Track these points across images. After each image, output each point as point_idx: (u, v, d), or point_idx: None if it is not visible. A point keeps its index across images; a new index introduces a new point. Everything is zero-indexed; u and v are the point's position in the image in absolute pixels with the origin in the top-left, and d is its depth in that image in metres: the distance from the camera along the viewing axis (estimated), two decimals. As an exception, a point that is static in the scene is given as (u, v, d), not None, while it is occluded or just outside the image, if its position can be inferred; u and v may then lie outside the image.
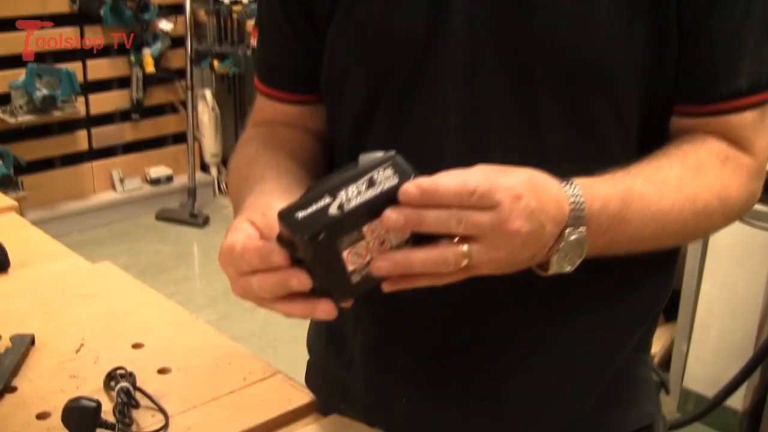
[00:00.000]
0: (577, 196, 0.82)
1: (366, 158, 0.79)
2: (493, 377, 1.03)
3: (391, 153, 0.79)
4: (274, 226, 0.80)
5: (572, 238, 0.83)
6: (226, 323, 3.56)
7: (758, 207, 1.93)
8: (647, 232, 0.90)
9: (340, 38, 1.00)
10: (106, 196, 4.75)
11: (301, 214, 0.78)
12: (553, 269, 0.84)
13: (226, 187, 1.17)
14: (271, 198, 0.90)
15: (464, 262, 0.77)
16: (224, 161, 5.08)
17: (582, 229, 0.83)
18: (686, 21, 0.91)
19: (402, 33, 0.96)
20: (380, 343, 1.09)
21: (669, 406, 3.04)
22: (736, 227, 2.52)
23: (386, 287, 0.79)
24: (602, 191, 0.85)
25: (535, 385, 1.03)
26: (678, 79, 0.94)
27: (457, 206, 0.75)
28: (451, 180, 0.76)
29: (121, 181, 4.77)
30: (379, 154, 0.79)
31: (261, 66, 1.13)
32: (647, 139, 0.96)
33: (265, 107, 1.14)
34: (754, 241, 2.69)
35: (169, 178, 4.95)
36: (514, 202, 0.76)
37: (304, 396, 1.16)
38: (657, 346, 3.15)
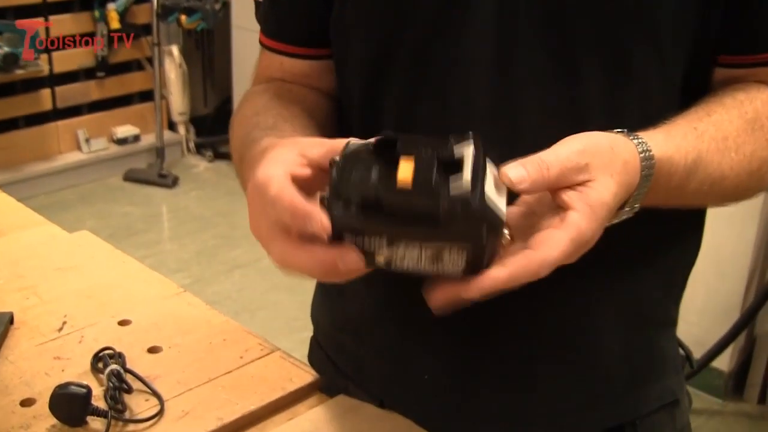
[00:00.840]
0: (647, 176, 0.77)
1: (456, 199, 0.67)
2: (522, 354, 0.97)
3: (482, 233, 0.68)
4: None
5: (623, 217, 0.79)
6: (200, 287, 3.47)
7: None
8: (700, 196, 0.86)
9: None
10: (72, 157, 4.62)
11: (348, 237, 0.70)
12: None
13: (230, 140, 1.06)
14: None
15: None
16: (192, 120, 4.98)
17: (637, 206, 0.79)
18: None
19: None
20: (400, 310, 1.01)
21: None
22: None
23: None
24: (673, 164, 0.79)
25: (564, 362, 0.98)
26: (725, 28, 0.87)
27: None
28: (523, 270, 0.69)
29: (87, 141, 4.64)
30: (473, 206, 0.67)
31: (268, 19, 1.05)
32: (689, 91, 0.90)
33: (271, 64, 1.05)
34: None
35: (136, 138, 4.82)
36: (599, 226, 0.72)
37: (306, 375, 1.10)
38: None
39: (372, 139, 0.70)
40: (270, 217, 0.72)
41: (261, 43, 1.06)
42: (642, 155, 0.77)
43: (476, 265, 0.69)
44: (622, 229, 0.81)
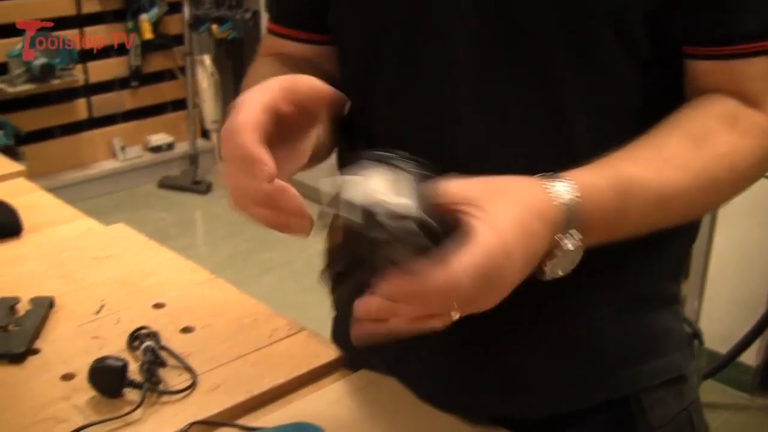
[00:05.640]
0: (569, 201, 0.78)
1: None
2: (516, 328, 1.00)
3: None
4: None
5: (568, 248, 0.79)
6: (233, 289, 3.51)
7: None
8: (650, 220, 0.86)
9: None
10: (107, 165, 4.71)
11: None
12: (547, 277, 0.81)
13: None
14: None
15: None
16: (225, 127, 5.03)
17: (578, 237, 0.79)
18: None
19: None
20: None
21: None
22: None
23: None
24: (599, 189, 0.80)
25: (562, 334, 1.01)
26: (686, 19, 0.88)
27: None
28: (437, 282, 0.70)
29: (122, 149, 4.73)
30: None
31: (275, 5, 1.09)
32: (670, 85, 0.92)
33: (275, 44, 1.09)
34: (766, 194, 2.66)
35: (170, 146, 4.90)
36: (507, 278, 0.74)
37: (331, 352, 1.15)
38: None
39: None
40: (230, 152, 0.76)
41: (268, 28, 1.10)
42: (556, 183, 0.78)
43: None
44: None
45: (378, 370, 1.11)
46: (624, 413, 1.04)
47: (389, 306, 0.72)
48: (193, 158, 4.79)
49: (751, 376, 2.90)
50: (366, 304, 0.73)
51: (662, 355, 1.06)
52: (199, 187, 4.69)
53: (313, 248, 3.61)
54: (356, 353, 1.14)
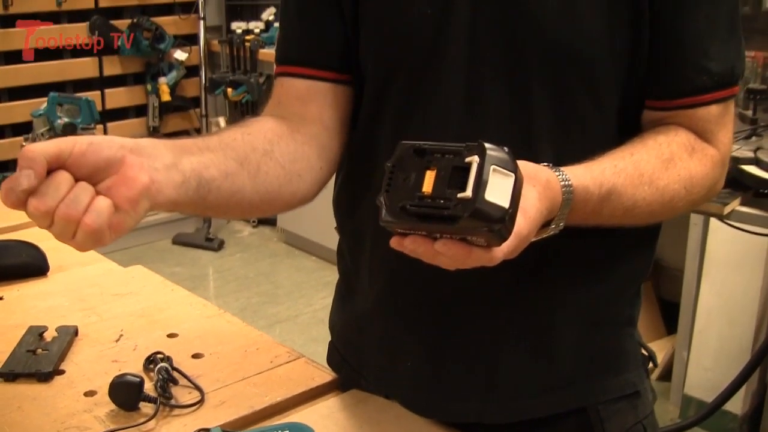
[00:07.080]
0: (567, 200, 0.95)
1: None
2: (486, 341, 1.13)
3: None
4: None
5: (551, 233, 0.96)
6: (243, 341, 3.64)
7: (751, 211, 2.03)
8: (614, 220, 1.04)
9: (363, 30, 1.12)
10: (124, 222, 4.85)
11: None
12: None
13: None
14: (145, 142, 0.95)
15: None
16: (238, 187, 5.18)
17: (561, 225, 0.97)
18: (657, 22, 1.03)
19: (412, 28, 1.07)
20: (394, 305, 1.18)
21: (671, 412, 3.13)
22: (732, 235, 2.64)
23: (394, 243, 0.89)
24: (588, 193, 0.97)
25: (534, 344, 1.13)
26: (650, 76, 1.05)
27: None
28: (481, 259, 0.86)
29: (138, 206, 4.88)
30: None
31: (284, 47, 1.18)
32: (625, 120, 1.08)
33: (275, 93, 1.18)
34: (749, 248, 2.80)
35: (185, 204, 5.05)
36: (533, 225, 0.89)
37: (326, 375, 1.28)
38: (659, 357, 3.24)
39: (415, 144, 0.88)
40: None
41: (275, 74, 1.19)
42: (562, 183, 0.95)
43: (495, 243, 0.86)
44: (581, 239, 1.00)
45: (367, 389, 1.24)
46: (584, 422, 1.17)
47: (432, 252, 0.86)
48: (206, 216, 4.94)
49: (738, 425, 2.99)
50: (415, 243, 0.87)
51: (620, 373, 1.19)
52: (212, 244, 4.84)
53: (319, 303, 3.81)
54: (348, 374, 1.28)
